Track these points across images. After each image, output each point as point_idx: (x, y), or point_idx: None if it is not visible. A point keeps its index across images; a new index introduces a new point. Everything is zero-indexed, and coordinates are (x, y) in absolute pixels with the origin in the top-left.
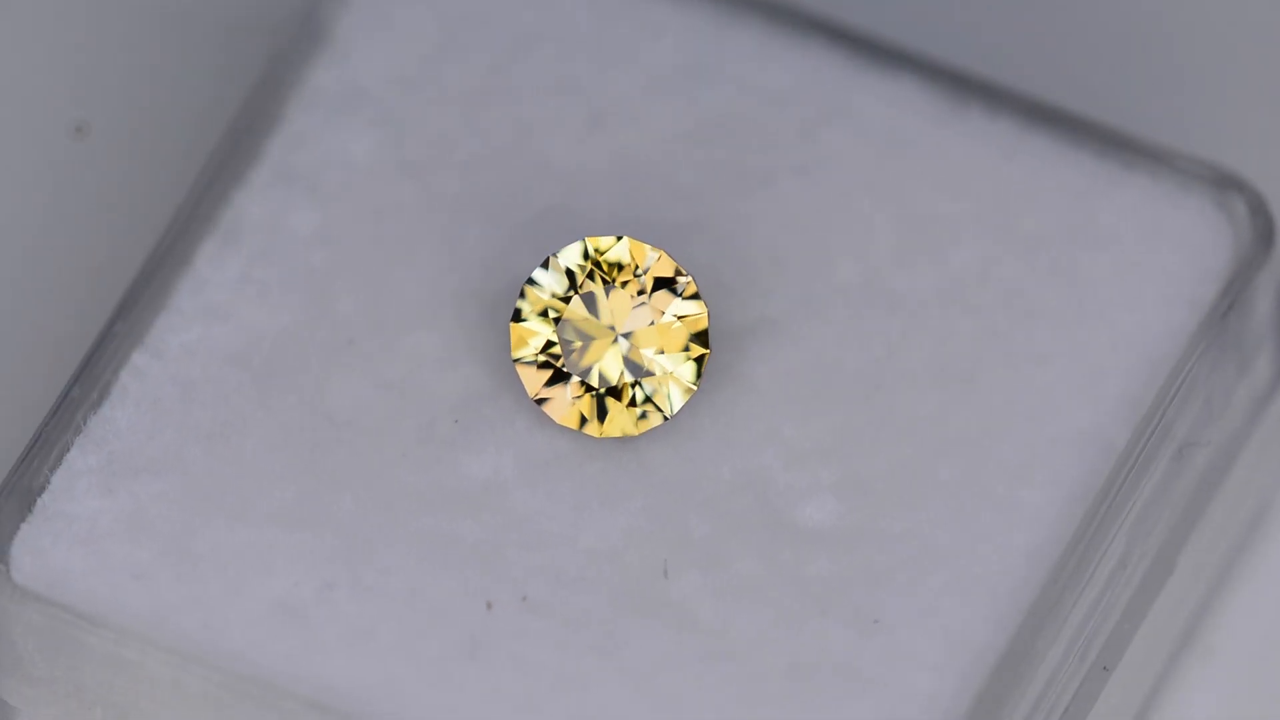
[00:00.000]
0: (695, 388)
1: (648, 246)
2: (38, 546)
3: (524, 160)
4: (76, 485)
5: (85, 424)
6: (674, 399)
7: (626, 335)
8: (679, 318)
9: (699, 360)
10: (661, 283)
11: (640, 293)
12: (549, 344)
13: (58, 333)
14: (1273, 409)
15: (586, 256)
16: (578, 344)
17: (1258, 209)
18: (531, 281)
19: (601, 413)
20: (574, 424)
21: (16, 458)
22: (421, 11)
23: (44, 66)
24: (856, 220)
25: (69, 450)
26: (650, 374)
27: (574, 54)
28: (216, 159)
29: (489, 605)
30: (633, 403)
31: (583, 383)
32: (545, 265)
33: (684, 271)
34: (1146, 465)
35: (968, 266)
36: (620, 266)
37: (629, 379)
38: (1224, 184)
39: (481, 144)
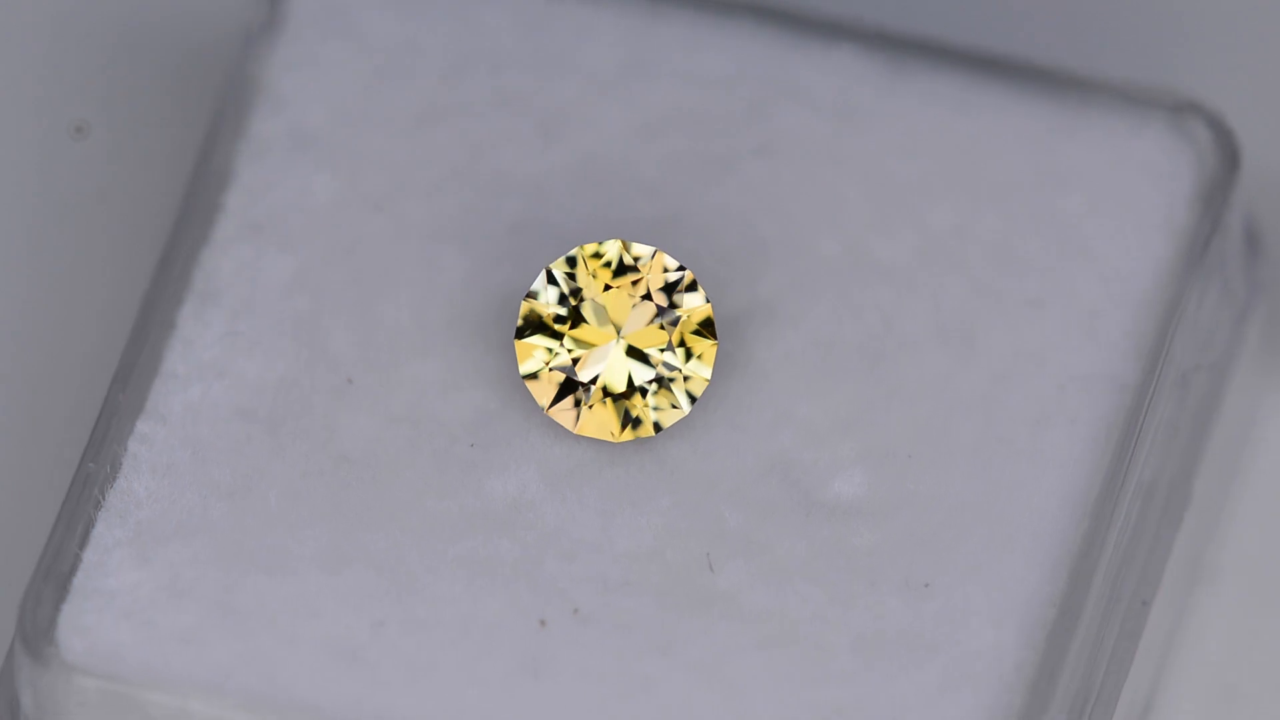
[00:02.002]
0: (708, 379)
1: (640, 245)
2: (82, 625)
3: (484, 178)
4: (109, 560)
5: (105, 499)
6: (688, 394)
7: (631, 336)
8: (683, 311)
9: (708, 352)
10: (661, 279)
11: (641, 293)
12: (554, 355)
13: (57, 333)
14: (1252, 324)
15: (578, 264)
16: (583, 352)
17: (1218, 128)
18: (530, 295)
19: (616, 417)
20: (589, 431)
21: (43, 541)
22: (348, 47)
23: (44, 66)
24: (827, 194)
25: (94, 526)
26: (660, 372)
27: (510, 67)
28: (182, 219)
29: (542, 623)
30: (648, 403)
31: (594, 389)
32: (550, 278)
33: (680, 265)
34: (1156, 394)
35: (945, 225)
36: (616, 268)
37: (640, 380)
38: (1181, 108)
39: (438, 167)
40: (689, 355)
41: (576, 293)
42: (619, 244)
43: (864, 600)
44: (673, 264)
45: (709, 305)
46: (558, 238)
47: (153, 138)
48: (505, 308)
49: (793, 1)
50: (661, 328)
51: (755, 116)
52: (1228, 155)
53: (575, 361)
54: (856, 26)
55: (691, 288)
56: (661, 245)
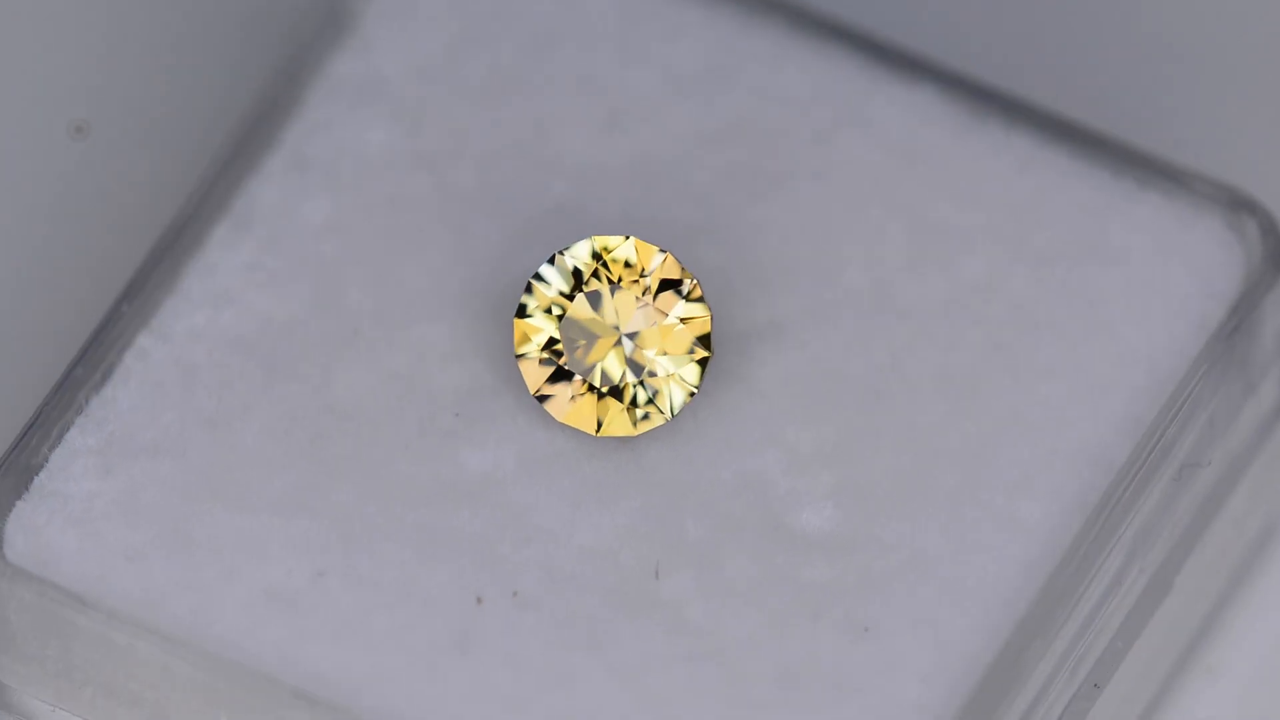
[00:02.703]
0: (696, 390)
1: (654, 247)
2: (32, 525)
3: (538, 156)
4: (74, 465)
5: (87, 404)
6: (675, 400)
7: (630, 335)
8: (683, 320)
9: (701, 363)
10: (667, 284)
11: (645, 293)
12: (552, 341)
13: (58, 329)
14: (1277, 431)
15: (594, 255)
16: (581, 342)
17: (1269, 230)
18: (538, 278)
19: (602, 412)
20: (574, 422)
21: (15, 435)
22: (444, 3)
23: (44, 66)
24: (868, 227)
25: (69, 430)
26: (652, 375)
27: (595, 51)
28: (231, 144)
29: (479, 600)
30: (634, 403)
31: (584, 381)
32: (551, 262)
33: (689, 274)
34: (1145, 483)
35: (977, 278)
36: (627, 266)
37: (631, 379)
38: (1237, 205)
39: (497, 138)
40: (683, 363)
41: (584, 282)
42: (634, 242)
43: (801, 632)
44: (679, 269)
45: (709, 318)
46: (594, 227)
47: (153, 138)
48: (523, 287)
49: (882, 32)
50: (660, 332)
51: (819, 140)
52: (1273, 257)
53: (572, 350)
54: (939, 68)
55: (697, 298)
56: (691, 252)
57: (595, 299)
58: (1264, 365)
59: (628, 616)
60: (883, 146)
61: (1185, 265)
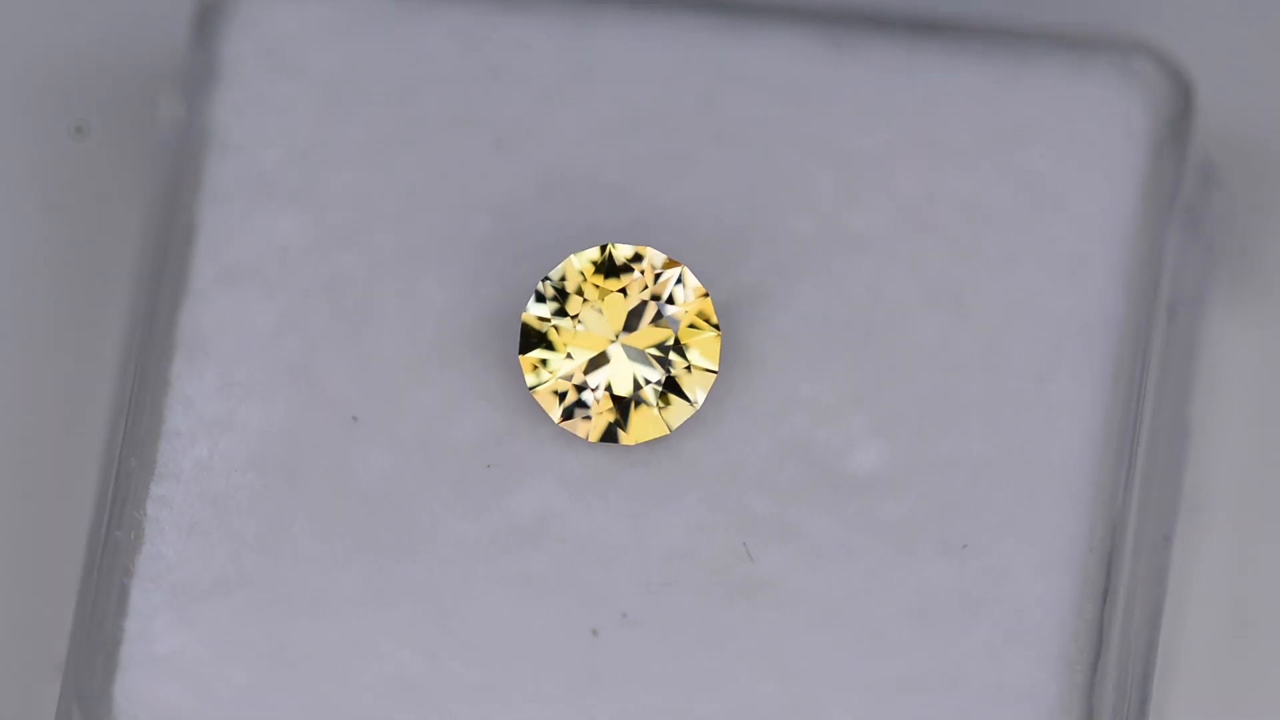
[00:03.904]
0: (715, 370)
1: (630, 247)
2: (139, 696)
3: (449, 199)
4: (152, 626)
5: (135, 566)
6: (697, 388)
7: (632, 338)
8: (680, 305)
9: (711, 343)
10: (651, 276)
11: (642, 291)
12: (558, 366)
13: (57, 332)
14: (1220, 258)
15: (570, 273)
16: (587, 358)
17: (1165, 65)
18: (527, 310)
19: (626, 420)
20: (601, 437)
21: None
22: (292, 83)
23: (44, 66)
24: (791, 174)
25: (128, 595)
26: (665, 370)
27: (456, 86)
28: (150, 274)
29: (594, 632)
30: (663, 400)
31: (601, 395)
32: (538, 290)
33: (675, 261)
34: (1150, 330)
35: (914, 191)
36: (608, 272)
37: (646, 380)
38: (1126, 48)
39: (400, 193)
40: (694, 348)
41: (572, 301)
42: (608, 247)
43: (904, 569)
44: (661, 259)
45: (706, 297)
46: (533, 250)
47: (152, 138)
48: (493, 326)
49: None
50: (661, 325)
51: (706, 107)
52: (1180, 89)
53: (581, 368)
54: (793, 5)
55: (685, 281)
56: (637, 245)
57: (590, 313)
58: (1196, 197)
59: (737, 604)
60: (767, 94)
61: (1097, 118)
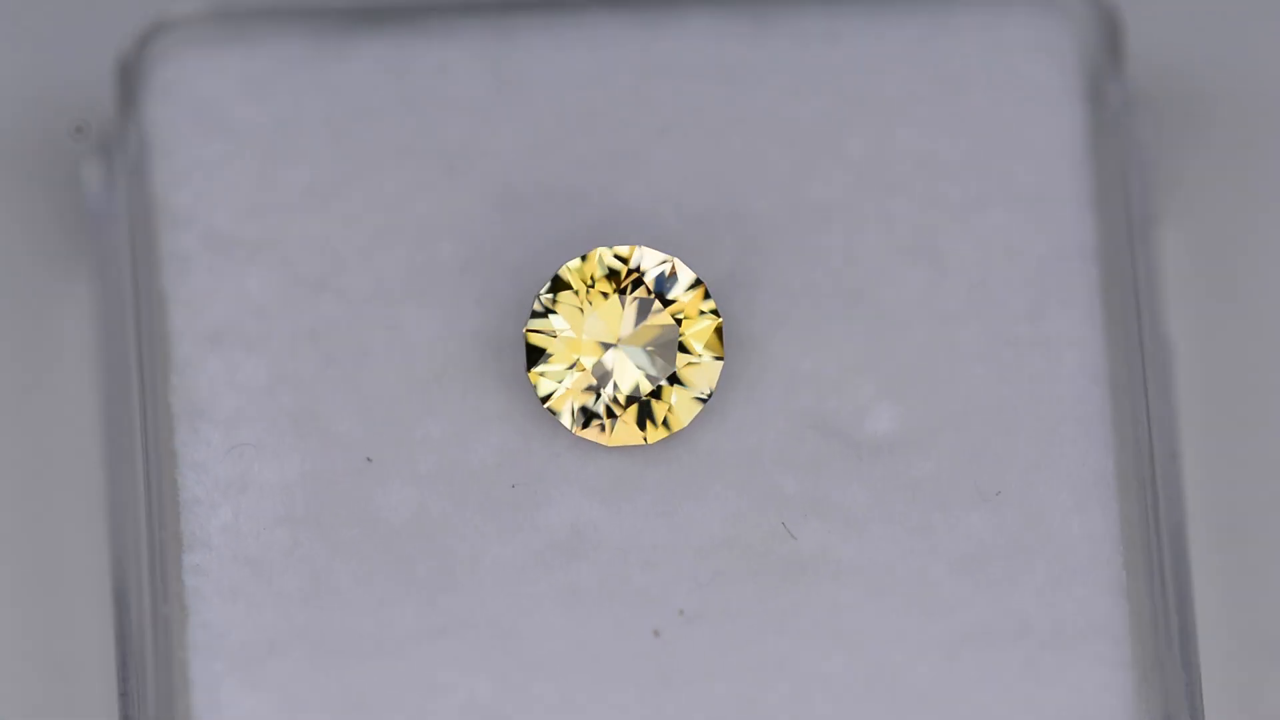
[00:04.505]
0: (722, 360)
1: (621, 248)
2: None
3: (410, 229)
4: (219, 695)
5: (186, 638)
6: (704, 379)
7: (635, 337)
8: (678, 300)
9: (716, 331)
10: (645, 274)
11: (633, 294)
12: (567, 376)
13: (58, 331)
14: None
15: (566, 282)
16: (594, 365)
17: None
18: (528, 326)
19: (641, 420)
20: (621, 441)
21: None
22: (228, 142)
23: (44, 66)
24: (741, 155)
25: (187, 668)
26: (673, 365)
27: (392, 117)
28: (125, 348)
29: (656, 633)
30: (666, 398)
31: (613, 399)
32: (536, 305)
33: (669, 257)
34: (1124, 249)
35: (864, 154)
36: (605, 275)
37: (653, 377)
38: None
39: (364, 232)
40: (695, 341)
41: (570, 311)
42: (598, 251)
43: (946, 523)
44: (653, 257)
45: (701, 286)
46: (504, 267)
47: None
48: (484, 347)
49: None
50: (664, 321)
51: (641, 102)
52: (1106, 20)
53: (588, 377)
54: None
55: (678, 274)
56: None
57: (590, 321)
58: (1140, 108)
59: (789, 584)
60: (698, 81)
61: (1027, 56)
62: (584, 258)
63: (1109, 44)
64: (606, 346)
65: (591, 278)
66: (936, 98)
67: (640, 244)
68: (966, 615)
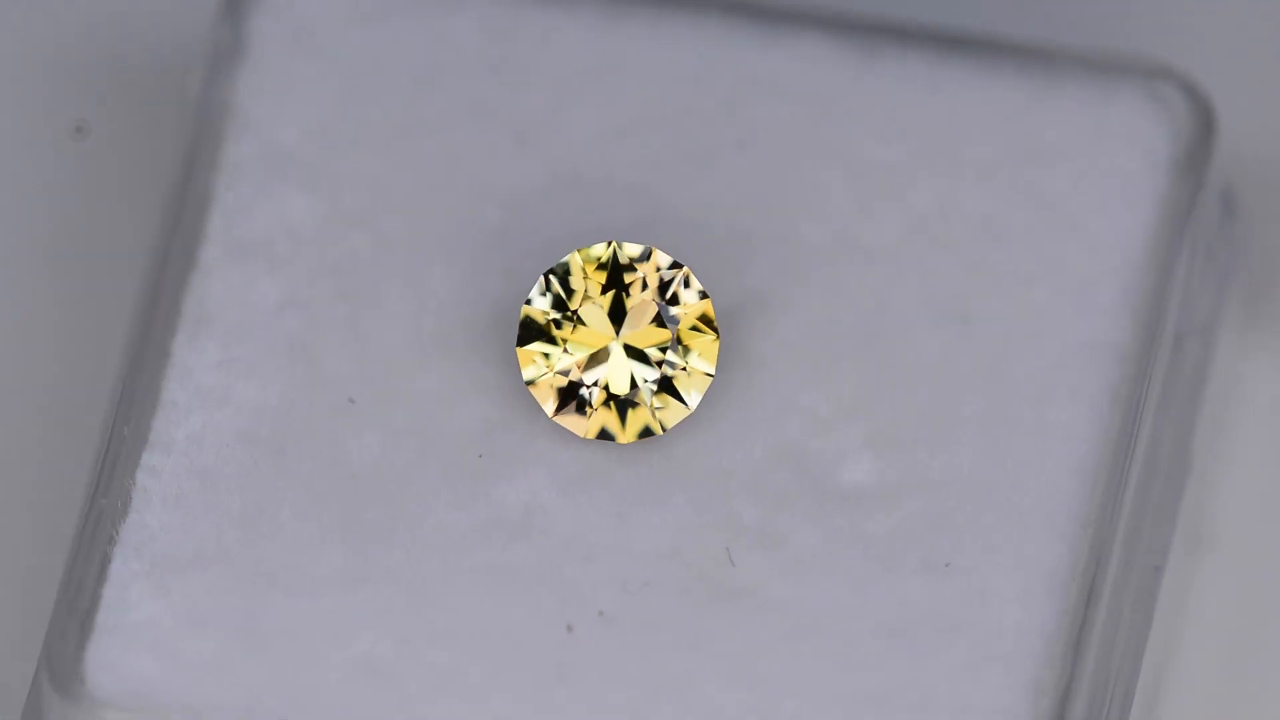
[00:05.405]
0: (712, 375)
1: (632, 245)
2: (109, 660)
3: (463, 189)
4: (129, 594)
5: (119, 533)
6: (693, 391)
7: (631, 337)
8: (681, 308)
9: (709, 347)
10: (654, 277)
11: (643, 290)
12: (556, 361)
13: (58, 332)
14: (1233, 287)
15: (573, 268)
16: (585, 355)
17: (1190, 91)
18: (528, 303)
19: (622, 418)
20: (596, 434)
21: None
22: (316, 65)
23: (44, 66)
24: (807, 181)
25: (110, 563)
26: (663, 370)
27: (479, 77)
28: (162, 246)
29: (569, 628)
30: (650, 402)
31: (599, 392)
32: (539, 284)
33: (678, 263)
34: (1155, 359)
35: (927, 206)
36: (611, 269)
37: (642, 379)
38: (1152, 73)
39: (415, 181)
40: (692, 350)
41: (574, 297)
42: (612, 245)
43: (886, 584)
44: (666, 261)
45: (707, 300)
46: (542, 245)
47: (153, 138)
48: (496, 318)
49: None
50: (661, 326)
51: (729, 111)
52: (1203, 117)
53: (579, 365)
54: (822, 14)
55: (688, 283)
56: (647, 245)
57: (590, 310)
58: (1214, 225)
59: (715, 609)
60: (791, 102)
61: (1120, 143)
62: (607, 245)
63: (1200, 142)
64: (604, 339)
65: (602, 267)
66: (1014, 165)
67: (679, 250)
68: (877, 677)
